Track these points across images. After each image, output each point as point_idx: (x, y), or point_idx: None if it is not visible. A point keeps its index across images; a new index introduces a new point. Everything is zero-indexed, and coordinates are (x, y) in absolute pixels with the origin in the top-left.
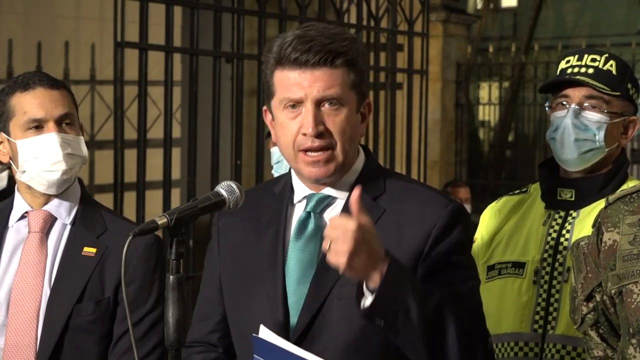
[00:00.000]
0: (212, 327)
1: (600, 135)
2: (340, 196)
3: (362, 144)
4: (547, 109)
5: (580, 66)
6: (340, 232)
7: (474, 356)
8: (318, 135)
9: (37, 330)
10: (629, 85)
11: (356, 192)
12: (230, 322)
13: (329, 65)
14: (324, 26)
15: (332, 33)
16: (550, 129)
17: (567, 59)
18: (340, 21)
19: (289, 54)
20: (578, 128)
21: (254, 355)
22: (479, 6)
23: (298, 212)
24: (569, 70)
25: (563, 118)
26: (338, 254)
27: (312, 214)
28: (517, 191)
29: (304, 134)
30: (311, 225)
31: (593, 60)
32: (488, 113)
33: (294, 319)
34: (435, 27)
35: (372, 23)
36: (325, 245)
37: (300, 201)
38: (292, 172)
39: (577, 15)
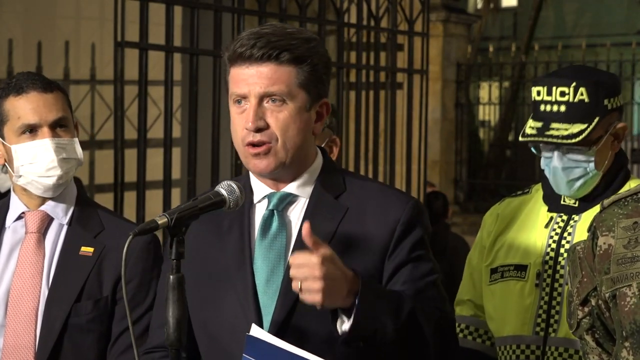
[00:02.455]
0: None
1: (590, 166)
2: (302, 194)
3: (319, 146)
4: (532, 149)
5: (551, 103)
6: (306, 271)
7: (447, 344)
8: (257, 130)
9: (35, 331)
10: (606, 101)
11: (306, 226)
12: (197, 326)
13: (274, 61)
14: (282, 25)
15: (286, 31)
16: (542, 163)
17: (537, 89)
18: (340, 21)
19: (237, 49)
20: (568, 167)
21: (244, 355)
22: (479, 6)
23: (260, 211)
24: (541, 108)
25: (551, 160)
26: (312, 293)
27: (275, 211)
28: (520, 192)
29: (247, 129)
30: (275, 223)
31: (562, 94)
32: (488, 113)
33: (267, 317)
34: (436, 27)
35: (372, 23)
36: (295, 286)
37: (260, 201)
38: (250, 173)
39: (577, 15)
